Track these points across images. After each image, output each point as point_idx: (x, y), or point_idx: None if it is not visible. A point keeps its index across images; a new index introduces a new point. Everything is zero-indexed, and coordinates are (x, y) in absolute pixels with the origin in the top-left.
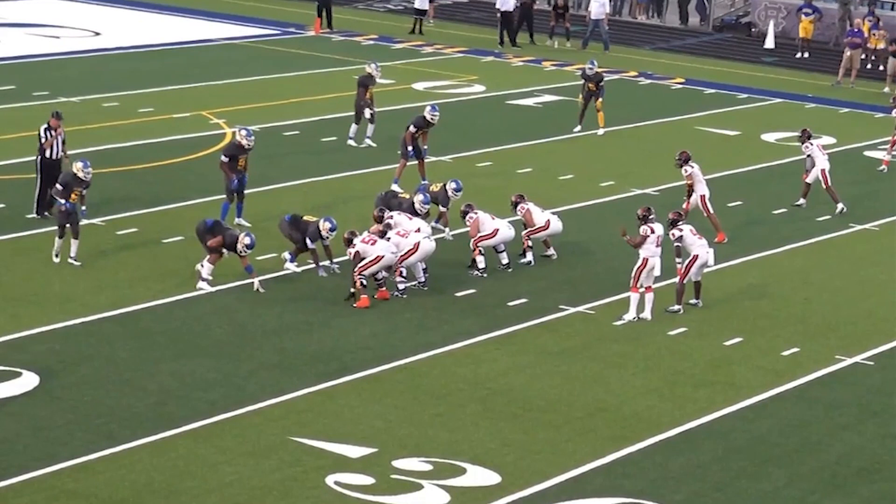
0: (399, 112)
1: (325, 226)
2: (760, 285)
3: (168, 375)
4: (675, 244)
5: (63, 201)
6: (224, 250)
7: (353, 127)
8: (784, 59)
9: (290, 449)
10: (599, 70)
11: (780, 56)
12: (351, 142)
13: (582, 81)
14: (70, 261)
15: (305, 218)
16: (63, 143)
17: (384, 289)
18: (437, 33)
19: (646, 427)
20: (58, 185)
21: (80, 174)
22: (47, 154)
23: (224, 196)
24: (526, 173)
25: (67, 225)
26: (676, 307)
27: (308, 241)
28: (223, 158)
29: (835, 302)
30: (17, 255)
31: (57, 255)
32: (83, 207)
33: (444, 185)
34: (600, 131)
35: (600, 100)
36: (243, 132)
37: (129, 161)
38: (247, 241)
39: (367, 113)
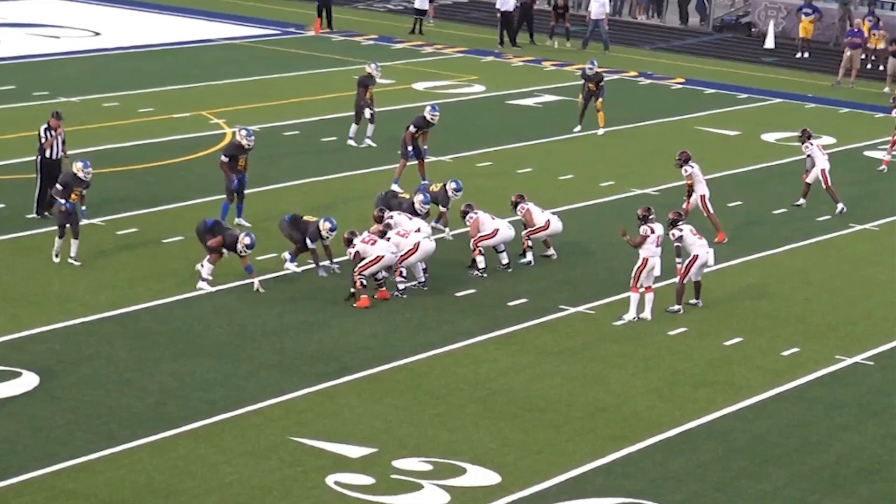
0: (399, 112)
1: (325, 226)
2: (760, 285)
3: (168, 375)
4: (675, 244)
5: (63, 201)
6: (224, 250)
7: (353, 127)
8: (784, 59)
9: (290, 449)
10: (599, 70)
11: (780, 56)
12: (351, 142)
13: (582, 81)
14: (70, 261)
15: (305, 218)
16: (63, 143)
17: (384, 289)
18: (437, 33)
19: (646, 427)
20: (58, 185)
21: (80, 174)
22: (47, 154)
23: (224, 196)
24: (526, 173)
25: (67, 225)
26: (676, 307)
27: (308, 241)
28: (223, 158)
29: (835, 302)
30: (17, 255)
31: (57, 255)
32: (83, 207)
33: (444, 185)
34: (600, 131)
35: (600, 100)
36: (243, 132)
37: (129, 161)
38: (247, 241)
39: (367, 113)
